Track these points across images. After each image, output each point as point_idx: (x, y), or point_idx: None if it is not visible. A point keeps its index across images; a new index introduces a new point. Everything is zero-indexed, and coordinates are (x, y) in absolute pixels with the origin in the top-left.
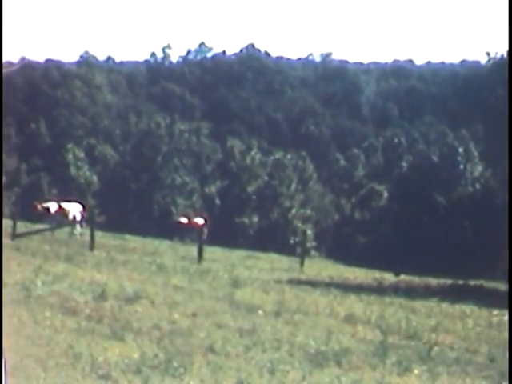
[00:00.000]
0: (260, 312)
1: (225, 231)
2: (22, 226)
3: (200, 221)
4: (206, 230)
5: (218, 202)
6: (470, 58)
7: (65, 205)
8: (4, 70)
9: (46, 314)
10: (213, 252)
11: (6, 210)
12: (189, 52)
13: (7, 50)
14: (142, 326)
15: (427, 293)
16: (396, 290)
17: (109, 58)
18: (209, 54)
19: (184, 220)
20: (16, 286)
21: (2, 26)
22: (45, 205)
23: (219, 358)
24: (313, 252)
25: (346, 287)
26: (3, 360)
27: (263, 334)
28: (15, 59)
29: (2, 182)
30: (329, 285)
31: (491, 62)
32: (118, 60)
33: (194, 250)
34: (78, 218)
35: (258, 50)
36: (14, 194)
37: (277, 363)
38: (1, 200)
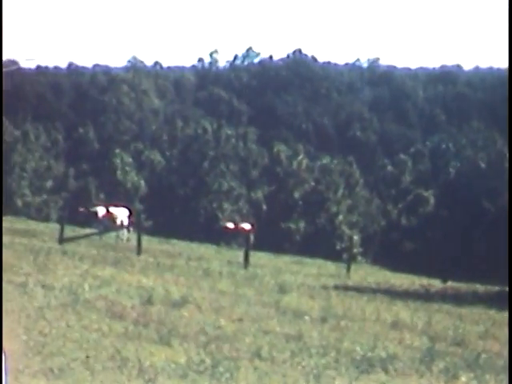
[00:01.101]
0: (306, 318)
1: (271, 236)
2: (69, 231)
3: (246, 226)
4: (252, 236)
5: (264, 207)
6: None
7: (112, 209)
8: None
9: (93, 318)
10: (259, 257)
11: (53, 215)
12: (236, 57)
13: (55, 56)
14: (188, 330)
15: (475, 299)
16: (443, 297)
17: (156, 63)
18: (256, 60)
19: (230, 225)
20: (63, 290)
21: (1, 26)
22: (93, 209)
23: (265, 363)
24: (359, 258)
25: (393, 293)
26: (3, 360)
27: (309, 339)
28: (63, 64)
29: (3, 181)
30: (375, 291)
31: None
32: (165, 65)
33: (240, 255)
34: (126, 222)
35: (305, 55)
36: (61, 199)
37: (323, 369)
38: (1, 200)
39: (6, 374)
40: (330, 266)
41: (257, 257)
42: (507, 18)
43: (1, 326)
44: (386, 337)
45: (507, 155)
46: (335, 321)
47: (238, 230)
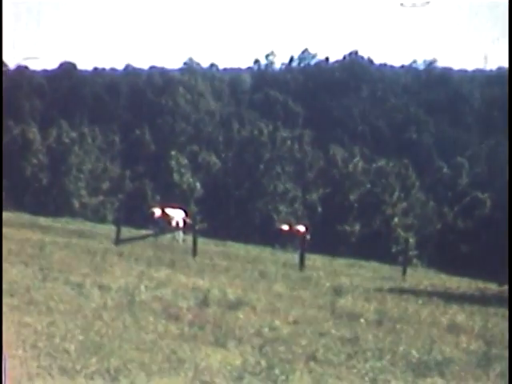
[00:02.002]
0: (362, 320)
1: (326, 239)
2: (125, 232)
3: (301, 228)
4: (307, 238)
5: (319, 209)
6: None
7: (168, 211)
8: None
9: (149, 319)
10: (314, 260)
11: (109, 216)
12: (292, 59)
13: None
14: (243, 332)
15: None
16: (500, 300)
17: (212, 64)
18: (312, 61)
19: (285, 227)
20: (120, 291)
21: (1, 27)
22: (149, 211)
23: (321, 366)
24: (415, 260)
25: (449, 296)
26: (3, 360)
27: (365, 342)
28: (120, 66)
29: (2, 181)
30: (431, 294)
31: None
32: (221, 67)
33: (295, 257)
34: (181, 224)
35: (362, 57)
36: (117, 200)
37: (379, 372)
38: (0, 199)
39: (5, 373)
40: (386, 269)
41: (312, 259)
42: None
43: (1, 326)
44: (442, 340)
45: None
46: (391, 324)
47: (292, 232)
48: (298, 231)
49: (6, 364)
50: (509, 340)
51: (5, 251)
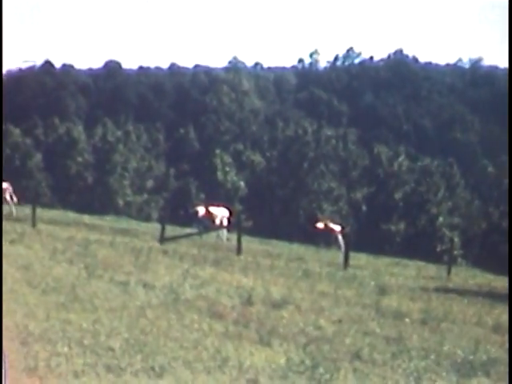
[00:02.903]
0: (406, 320)
1: (371, 238)
2: (170, 230)
3: (336, 227)
4: (340, 236)
5: (364, 208)
6: None
7: (212, 209)
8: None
9: (193, 317)
10: (359, 258)
11: (154, 214)
12: (337, 58)
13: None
14: (288, 331)
15: None
16: None
17: (257, 63)
18: (356, 60)
19: (320, 225)
20: (164, 289)
21: (1, 27)
22: (193, 209)
23: (365, 365)
24: (460, 260)
25: (494, 296)
26: (3, 360)
27: (410, 341)
28: (165, 65)
29: (2, 181)
30: (476, 293)
31: None
32: (265, 66)
33: (339, 256)
34: (225, 222)
35: (407, 56)
36: (162, 199)
37: (423, 372)
38: (0, 202)
39: (5, 374)
40: (431, 268)
41: (356, 258)
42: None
43: (1, 327)
44: (488, 340)
45: None
46: (436, 323)
47: (327, 231)
48: (332, 230)
49: (6, 364)
50: (509, 340)
51: (50, 249)
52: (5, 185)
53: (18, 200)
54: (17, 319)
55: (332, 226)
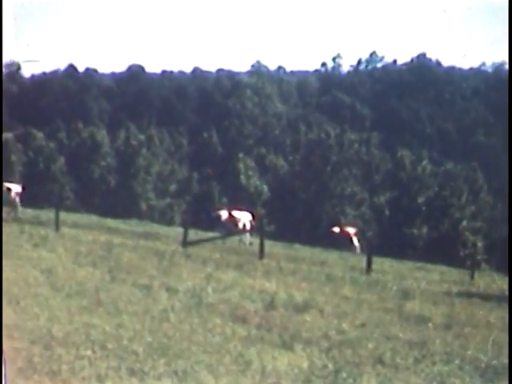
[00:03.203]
0: (429, 324)
1: (394, 242)
2: (192, 234)
3: (351, 230)
4: (355, 239)
5: (387, 212)
6: None
7: (235, 213)
8: (5, 70)
9: (216, 321)
10: (381, 263)
11: (177, 218)
12: (359, 62)
13: (181, 61)
14: (310, 335)
15: None
16: None
17: (279, 67)
18: (379, 64)
19: (336, 229)
20: (187, 293)
21: (1, 27)
22: (215, 213)
23: (388, 369)
24: (483, 265)
25: None
26: (3, 360)
27: (433, 346)
28: (188, 69)
29: (2, 181)
30: (500, 298)
31: None
32: (288, 69)
33: (362, 260)
34: (248, 226)
35: (430, 60)
36: (185, 202)
37: (447, 376)
38: (0, 202)
39: (5, 373)
40: (454, 273)
41: (379, 262)
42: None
43: (1, 326)
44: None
45: None
46: (459, 328)
47: (343, 234)
48: (348, 233)
49: (6, 364)
50: (509, 340)
51: (74, 253)
52: (16, 187)
53: (42, 204)
54: (40, 323)
55: (348, 228)
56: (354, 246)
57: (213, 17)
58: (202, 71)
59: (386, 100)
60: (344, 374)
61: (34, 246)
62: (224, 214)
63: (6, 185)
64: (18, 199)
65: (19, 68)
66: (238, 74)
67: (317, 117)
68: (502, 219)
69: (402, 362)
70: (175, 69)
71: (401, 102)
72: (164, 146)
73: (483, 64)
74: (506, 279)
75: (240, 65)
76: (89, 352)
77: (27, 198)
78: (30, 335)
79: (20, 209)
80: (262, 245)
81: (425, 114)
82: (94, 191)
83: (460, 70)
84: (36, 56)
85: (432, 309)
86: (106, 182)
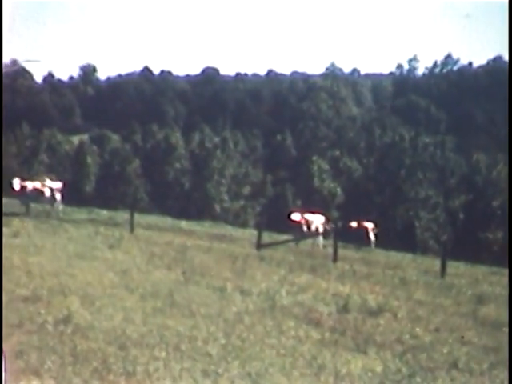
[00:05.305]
0: (505, 329)
1: (468, 246)
2: (266, 237)
3: (369, 225)
4: (372, 234)
5: (461, 216)
6: None
7: (308, 216)
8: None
9: (290, 324)
10: (456, 267)
11: (251, 220)
12: (435, 64)
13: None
14: (384, 339)
15: None
16: None
17: (354, 70)
18: (455, 67)
19: (354, 224)
20: (261, 296)
21: (1, 27)
22: (290, 215)
23: (463, 374)
24: None
25: None
26: (3, 360)
27: (508, 351)
28: (262, 72)
29: (2, 182)
30: None
31: None
32: (363, 72)
33: (436, 264)
34: (321, 229)
35: (506, 62)
36: (259, 205)
37: None
38: (0, 201)
39: (5, 373)
40: None
41: (454, 266)
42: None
43: (1, 326)
44: None
45: None
46: None
47: (361, 229)
48: (365, 227)
49: (6, 364)
50: (509, 338)
51: (148, 254)
52: (56, 184)
53: (116, 205)
54: (115, 323)
55: (365, 223)
56: (370, 241)
57: (288, 19)
58: (276, 74)
59: (462, 103)
60: (418, 379)
61: (109, 248)
62: (297, 217)
63: (45, 182)
64: (59, 196)
65: (95, 70)
66: (313, 76)
67: (391, 119)
68: None
69: (476, 367)
70: (249, 71)
71: (476, 105)
72: (238, 148)
73: None
74: None
75: (314, 67)
76: (163, 353)
77: (103, 199)
78: (105, 336)
79: (61, 206)
80: (335, 248)
81: (501, 117)
82: (168, 193)
83: None
84: (115, 57)
85: (507, 314)
86: (180, 184)
